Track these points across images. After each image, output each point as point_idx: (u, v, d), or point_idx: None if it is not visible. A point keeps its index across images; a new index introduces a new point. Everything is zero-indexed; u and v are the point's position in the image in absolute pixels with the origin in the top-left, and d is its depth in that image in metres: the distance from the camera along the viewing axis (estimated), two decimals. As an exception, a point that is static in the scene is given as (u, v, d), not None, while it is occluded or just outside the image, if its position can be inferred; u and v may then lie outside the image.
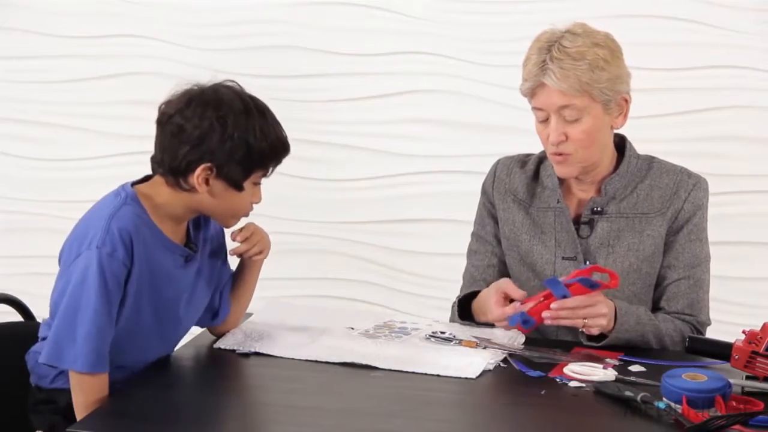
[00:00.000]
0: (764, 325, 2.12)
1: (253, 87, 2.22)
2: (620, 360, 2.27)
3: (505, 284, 2.39)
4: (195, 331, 2.38)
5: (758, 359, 2.10)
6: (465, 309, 2.51)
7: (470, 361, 2.21)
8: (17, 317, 2.56)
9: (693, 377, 2.00)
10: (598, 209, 2.49)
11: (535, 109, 2.43)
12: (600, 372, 2.16)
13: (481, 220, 2.63)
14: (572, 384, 2.13)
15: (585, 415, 2.03)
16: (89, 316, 2.07)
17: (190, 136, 2.12)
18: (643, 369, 2.22)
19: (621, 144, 2.53)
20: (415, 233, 3.74)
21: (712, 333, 2.42)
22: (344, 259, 3.80)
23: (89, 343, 2.08)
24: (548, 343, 2.39)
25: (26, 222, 3.99)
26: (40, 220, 3.96)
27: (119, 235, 2.10)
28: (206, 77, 2.20)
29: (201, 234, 2.29)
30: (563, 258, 2.47)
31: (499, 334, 2.38)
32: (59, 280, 2.16)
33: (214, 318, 2.37)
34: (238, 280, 2.40)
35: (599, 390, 2.07)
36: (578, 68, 2.35)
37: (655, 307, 2.49)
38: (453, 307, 2.57)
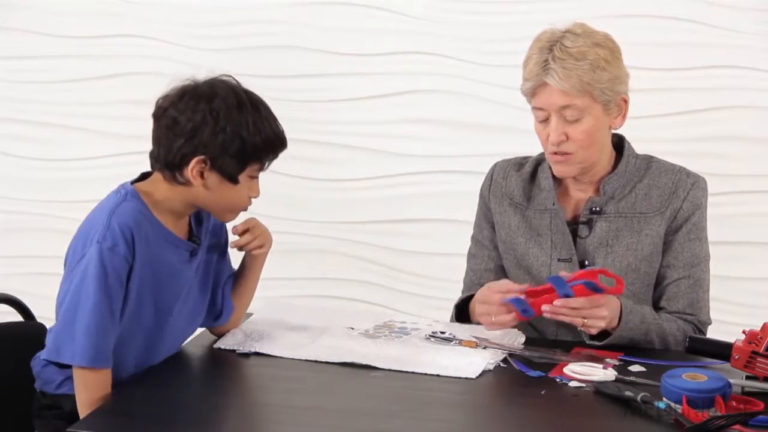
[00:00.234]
0: (764, 325, 2.12)
1: (253, 87, 2.23)
2: (620, 360, 2.27)
3: (506, 282, 2.39)
4: (195, 331, 2.38)
5: (758, 359, 2.10)
6: (462, 313, 2.52)
7: (470, 361, 2.21)
8: (17, 317, 2.56)
9: (693, 377, 2.00)
10: (597, 209, 2.49)
11: (535, 108, 2.43)
12: (600, 372, 2.16)
13: (479, 224, 2.64)
14: (572, 384, 2.13)
15: (585, 415, 2.03)
16: (89, 310, 2.07)
17: (183, 128, 2.14)
18: (643, 369, 2.22)
19: (619, 144, 2.53)
20: (415, 233, 3.74)
21: (712, 333, 2.42)
22: (344, 259, 3.80)
23: (88, 337, 2.07)
24: (548, 343, 2.39)
25: (26, 222, 3.99)
26: (40, 220, 3.96)
27: (120, 230, 2.10)
28: (203, 73, 2.21)
29: (202, 229, 2.29)
30: (559, 260, 2.47)
31: (499, 334, 2.38)
32: (64, 283, 2.16)
33: (217, 318, 2.37)
34: (240, 279, 2.41)
35: (599, 390, 2.07)
36: (580, 68, 2.35)
37: (656, 307, 2.49)
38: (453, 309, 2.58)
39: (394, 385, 2.13)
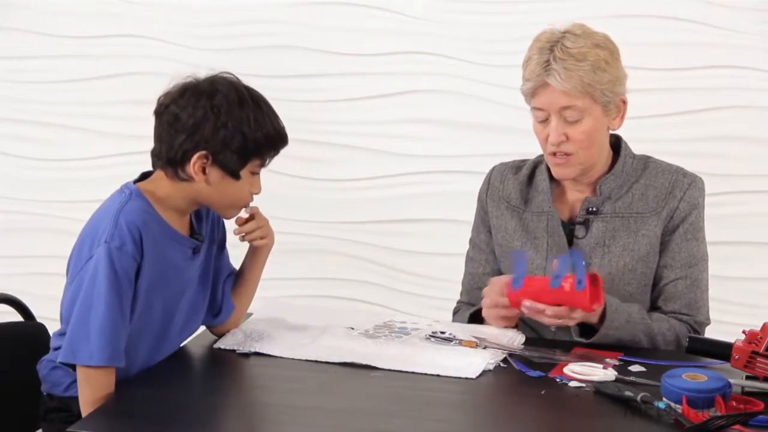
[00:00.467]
0: (764, 325, 2.12)
1: (253, 87, 2.23)
2: (620, 360, 2.27)
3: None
4: (197, 329, 2.38)
5: (758, 359, 2.10)
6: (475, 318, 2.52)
7: (470, 361, 2.21)
8: (17, 317, 2.56)
9: (693, 377, 2.00)
10: (594, 209, 2.49)
11: (534, 109, 2.43)
12: (600, 372, 2.16)
13: (476, 228, 2.64)
14: (572, 384, 2.13)
15: (585, 415, 2.03)
16: (102, 311, 2.08)
17: (185, 124, 2.15)
18: (643, 369, 2.22)
19: (616, 144, 2.53)
20: (415, 233, 3.74)
21: (712, 333, 2.42)
22: (344, 259, 3.80)
23: (103, 337, 2.08)
24: (548, 343, 2.39)
25: (26, 222, 3.99)
26: (40, 220, 3.96)
27: (128, 229, 2.11)
28: (204, 71, 2.22)
29: (203, 225, 2.30)
30: None
31: (499, 334, 2.38)
32: (69, 286, 2.16)
33: (216, 315, 2.37)
34: (241, 279, 2.41)
35: (599, 390, 2.07)
36: (581, 69, 2.35)
37: (653, 307, 2.50)
38: (457, 312, 2.59)
39: (394, 385, 2.13)
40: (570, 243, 2.48)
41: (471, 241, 2.65)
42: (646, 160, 2.54)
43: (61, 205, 3.92)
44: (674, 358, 2.29)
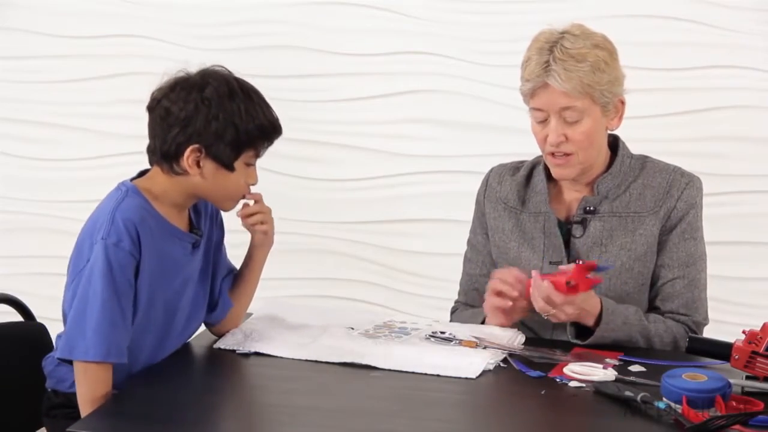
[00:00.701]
0: (764, 325, 2.12)
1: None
2: (620, 360, 2.27)
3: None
4: (199, 326, 2.38)
5: (758, 359, 2.10)
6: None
7: (470, 361, 2.21)
8: (17, 317, 2.56)
9: (693, 377, 2.00)
10: (591, 208, 2.49)
11: (534, 109, 2.43)
12: (600, 372, 2.16)
13: (474, 229, 2.64)
14: (572, 384, 2.13)
15: (585, 415, 2.03)
16: (98, 307, 2.08)
17: (176, 118, 2.16)
18: (643, 369, 2.22)
19: (614, 143, 2.53)
20: (415, 233, 3.74)
21: (712, 333, 2.41)
22: (344, 259, 3.80)
23: (99, 332, 2.08)
24: (548, 343, 2.39)
25: (26, 222, 3.99)
26: (40, 220, 3.96)
27: (124, 225, 2.11)
28: (195, 65, 2.23)
29: (201, 220, 2.30)
30: (551, 263, 2.47)
31: (499, 334, 2.38)
32: (70, 285, 2.16)
33: (212, 311, 2.36)
34: (240, 278, 2.41)
35: (599, 390, 2.07)
36: (581, 69, 2.35)
37: (651, 307, 2.50)
38: (455, 312, 2.59)
39: (394, 385, 2.13)
40: (567, 243, 2.48)
41: (469, 242, 2.65)
42: (643, 160, 2.54)
43: (61, 205, 3.92)
44: (674, 358, 2.29)
